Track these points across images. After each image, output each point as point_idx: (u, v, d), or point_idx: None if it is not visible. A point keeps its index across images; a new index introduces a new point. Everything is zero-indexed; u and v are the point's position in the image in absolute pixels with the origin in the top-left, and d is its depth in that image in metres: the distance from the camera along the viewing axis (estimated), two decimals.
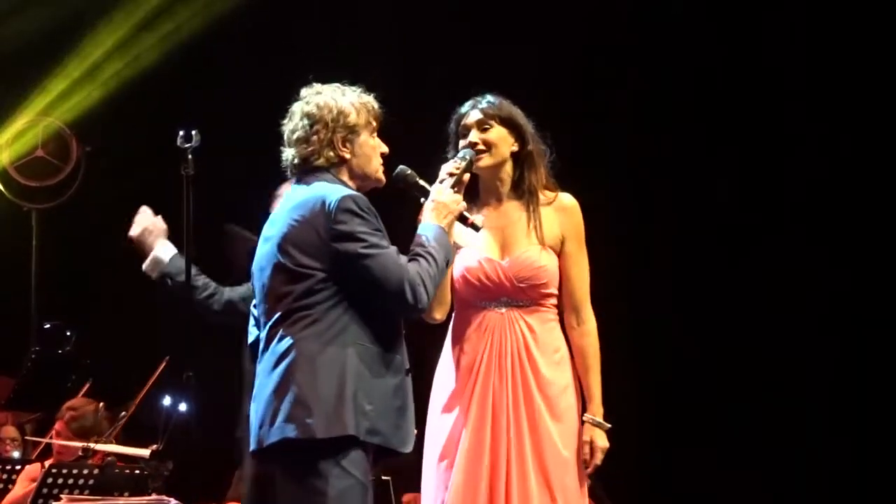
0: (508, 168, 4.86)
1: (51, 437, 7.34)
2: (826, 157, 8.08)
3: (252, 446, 4.27)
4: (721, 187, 8.27)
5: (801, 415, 8.03)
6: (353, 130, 4.36)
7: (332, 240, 4.18)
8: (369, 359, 4.22)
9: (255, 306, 4.43)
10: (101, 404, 7.39)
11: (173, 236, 5.23)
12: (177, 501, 5.92)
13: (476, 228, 4.57)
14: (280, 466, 4.21)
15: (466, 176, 4.70)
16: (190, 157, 4.78)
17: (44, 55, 8.59)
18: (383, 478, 6.79)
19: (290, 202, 4.32)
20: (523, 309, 4.80)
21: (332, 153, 4.34)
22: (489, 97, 4.88)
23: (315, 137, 4.32)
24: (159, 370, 7.09)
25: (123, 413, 7.26)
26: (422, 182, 4.56)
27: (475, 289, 4.79)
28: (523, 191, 4.85)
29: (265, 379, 4.23)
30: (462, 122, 4.85)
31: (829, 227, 8.08)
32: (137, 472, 6.44)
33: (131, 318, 8.50)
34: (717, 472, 8.06)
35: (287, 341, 4.19)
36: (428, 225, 4.39)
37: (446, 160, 4.74)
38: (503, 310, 4.79)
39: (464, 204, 4.52)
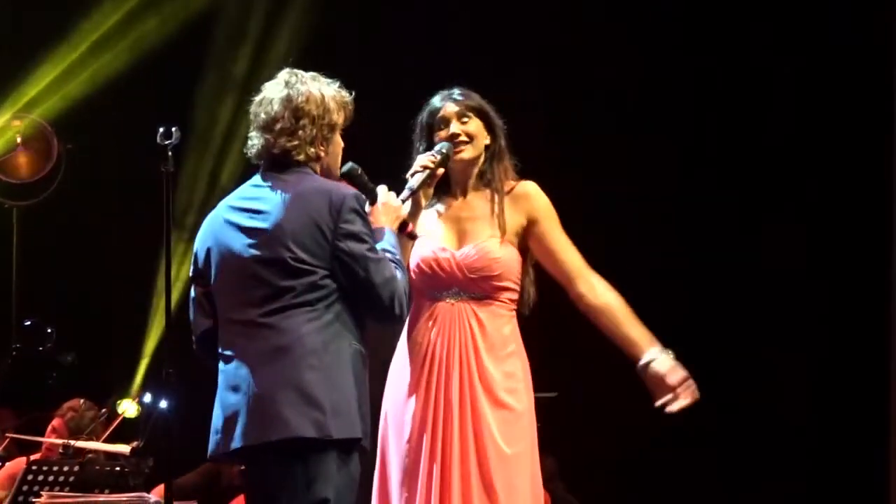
0: (480, 161, 4.84)
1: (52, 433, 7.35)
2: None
3: (242, 441, 4.15)
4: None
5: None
6: (332, 129, 4.30)
7: (339, 238, 4.14)
8: (361, 360, 4.22)
9: (204, 295, 4.31)
10: (104, 410, 7.39)
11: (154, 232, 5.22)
12: (157, 498, 5.92)
13: (413, 238, 4.55)
14: (279, 465, 4.14)
15: (440, 170, 4.70)
16: (170, 153, 4.77)
17: (24, 52, 8.57)
18: None
19: (281, 194, 4.22)
20: (476, 301, 4.74)
21: (312, 150, 4.26)
22: (459, 89, 4.85)
23: (301, 132, 4.23)
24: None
25: (104, 410, 7.28)
26: (370, 184, 4.49)
27: (427, 277, 4.75)
28: (488, 182, 4.82)
29: (253, 373, 4.13)
30: (438, 115, 4.81)
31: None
32: (118, 468, 6.45)
33: (113, 315, 8.50)
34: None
35: (288, 335, 4.12)
36: (387, 230, 4.35)
37: (412, 153, 4.74)
38: (453, 301, 4.75)
39: (406, 210, 4.50)
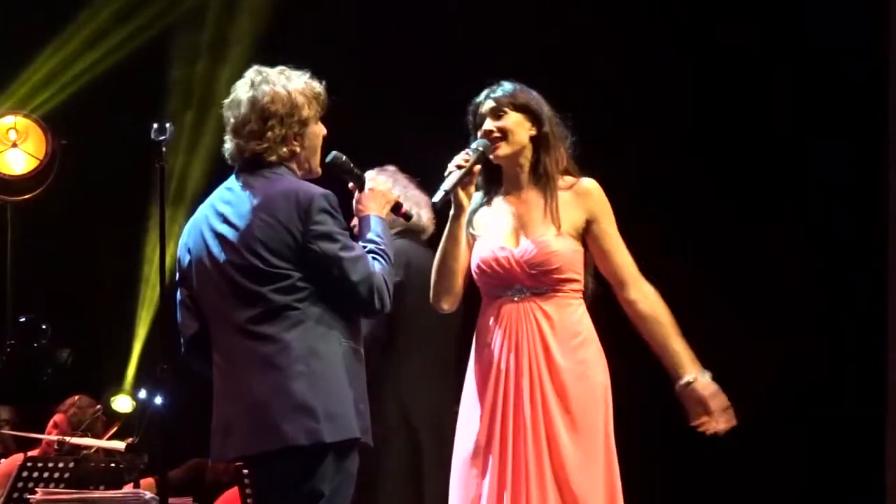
0: (528, 153, 4.75)
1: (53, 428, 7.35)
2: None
3: (238, 451, 4.18)
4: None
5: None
6: (304, 124, 4.25)
7: (310, 241, 4.12)
8: (353, 356, 4.19)
9: (190, 298, 4.29)
10: (99, 406, 7.40)
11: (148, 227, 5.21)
12: (152, 494, 5.92)
13: (408, 218, 4.54)
14: (277, 471, 4.14)
15: (478, 167, 4.65)
16: (164, 149, 4.76)
17: (19, 48, 8.56)
18: None
19: (249, 198, 4.20)
20: (540, 297, 4.66)
21: (285, 149, 4.23)
22: (505, 84, 4.78)
23: (270, 134, 4.20)
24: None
25: (98, 407, 7.28)
26: (356, 169, 4.48)
27: (489, 277, 4.68)
28: (540, 175, 4.75)
29: (243, 383, 4.12)
30: (478, 112, 4.76)
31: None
32: (113, 465, 6.45)
33: (107, 311, 8.50)
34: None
35: (275, 342, 4.10)
36: (373, 218, 4.33)
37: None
38: (518, 298, 4.69)
39: (397, 192, 4.47)
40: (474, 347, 4.73)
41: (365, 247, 4.25)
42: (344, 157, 4.47)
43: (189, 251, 4.28)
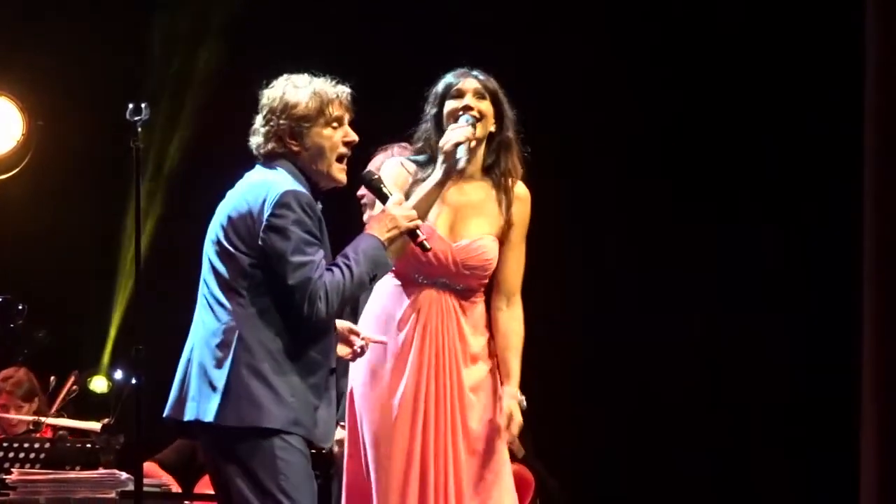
0: (482, 147, 4.81)
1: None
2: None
3: (186, 415, 4.29)
4: None
5: None
6: (301, 122, 4.32)
7: (264, 230, 4.19)
8: (293, 348, 4.24)
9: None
10: (75, 387, 7.36)
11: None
12: (128, 475, 5.92)
13: (425, 249, 4.49)
14: (222, 444, 4.26)
15: (473, 143, 4.71)
16: (139, 129, 4.76)
17: None
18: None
19: (242, 186, 4.37)
20: (458, 294, 4.80)
21: (277, 144, 4.33)
22: (480, 72, 4.84)
23: (264, 129, 4.34)
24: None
25: (75, 387, 7.26)
26: (385, 189, 4.49)
27: (420, 264, 4.74)
28: (496, 175, 4.81)
29: (202, 350, 4.27)
30: (455, 87, 4.78)
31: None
32: (89, 445, 6.44)
33: (83, 291, 8.48)
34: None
35: (224, 321, 4.24)
36: (366, 236, 4.36)
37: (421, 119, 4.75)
38: (438, 290, 4.78)
39: (418, 221, 4.42)
40: (375, 325, 4.76)
41: (337, 258, 4.30)
42: (376, 176, 4.53)
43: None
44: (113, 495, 5.93)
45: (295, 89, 4.34)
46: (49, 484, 5.97)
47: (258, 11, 8.21)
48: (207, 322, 4.29)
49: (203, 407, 4.22)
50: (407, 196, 4.64)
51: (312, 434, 4.25)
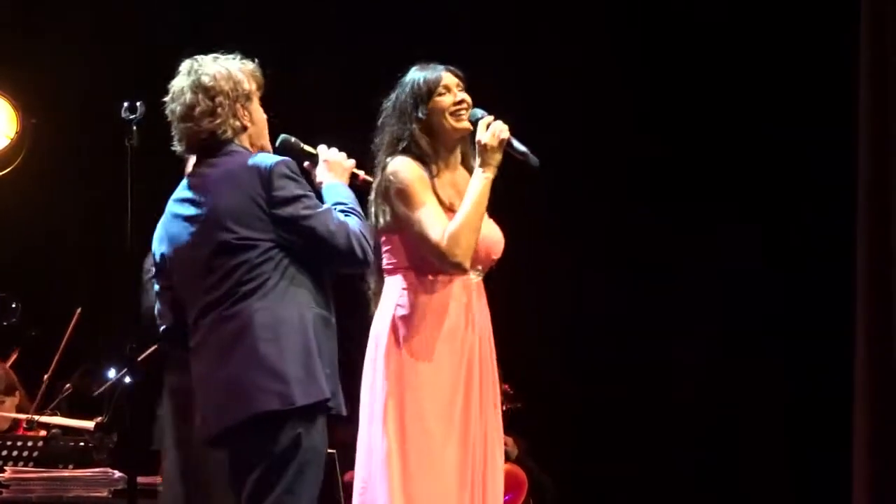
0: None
1: None
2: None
3: (209, 431, 4.24)
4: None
5: None
6: (248, 98, 4.33)
7: (274, 206, 4.16)
8: (321, 323, 4.22)
9: (166, 288, 4.37)
10: (68, 386, 7.34)
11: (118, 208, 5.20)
12: (121, 473, 5.91)
13: (368, 184, 4.56)
14: (247, 444, 4.18)
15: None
16: (134, 128, 4.76)
17: None
18: (329, 451, 6.80)
19: (213, 177, 4.27)
20: (481, 277, 4.84)
21: (237, 123, 4.31)
22: (443, 64, 4.86)
23: (220, 110, 4.28)
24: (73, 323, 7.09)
25: (68, 385, 7.25)
26: (307, 147, 4.53)
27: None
28: (470, 165, 4.83)
29: (216, 361, 4.18)
30: (442, 83, 4.79)
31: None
32: (82, 444, 6.43)
33: (76, 291, 8.46)
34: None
35: (241, 318, 4.15)
36: (332, 186, 4.37)
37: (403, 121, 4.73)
38: (475, 277, 4.79)
39: (352, 161, 4.50)
40: (427, 323, 4.71)
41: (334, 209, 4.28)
42: (293, 139, 4.54)
43: (162, 243, 4.34)
44: (106, 494, 5.93)
45: (232, 66, 4.32)
46: (42, 482, 5.97)
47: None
48: (223, 332, 4.18)
49: (267, 396, 4.14)
50: (441, 199, 4.71)
51: (340, 407, 4.26)
